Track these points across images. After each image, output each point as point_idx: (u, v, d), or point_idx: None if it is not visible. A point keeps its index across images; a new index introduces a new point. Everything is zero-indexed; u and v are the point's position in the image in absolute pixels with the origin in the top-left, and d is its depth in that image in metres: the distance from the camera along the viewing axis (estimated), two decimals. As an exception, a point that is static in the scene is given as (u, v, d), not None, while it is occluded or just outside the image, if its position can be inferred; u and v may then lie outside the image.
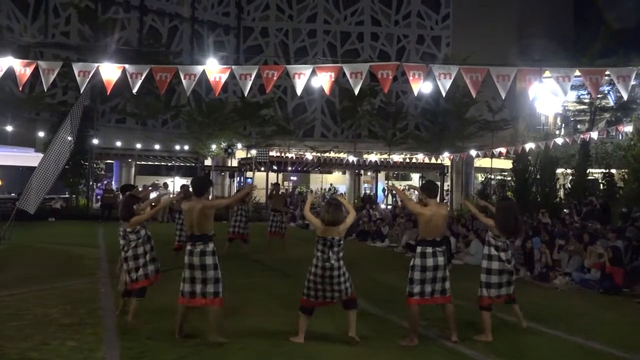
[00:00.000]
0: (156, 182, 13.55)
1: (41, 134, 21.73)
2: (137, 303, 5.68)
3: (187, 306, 5.20)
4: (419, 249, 5.38)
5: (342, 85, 22.88)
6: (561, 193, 23.07)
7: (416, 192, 6.53)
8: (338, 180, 34.03)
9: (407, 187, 25.26)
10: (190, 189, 5.79)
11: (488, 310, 5.59)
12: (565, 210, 15.71)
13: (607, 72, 6.30)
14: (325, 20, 33.01)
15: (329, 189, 31.38)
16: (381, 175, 29.99)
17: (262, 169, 23.66)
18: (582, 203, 17.92)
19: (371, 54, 32.39)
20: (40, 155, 15.81)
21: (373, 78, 8.47)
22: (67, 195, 21.79)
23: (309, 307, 5.24)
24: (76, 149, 17.03)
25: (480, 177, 31.05)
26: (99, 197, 23.02)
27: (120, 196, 8.30)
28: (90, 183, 22.38)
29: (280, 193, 12.81)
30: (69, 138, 13.44)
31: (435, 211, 5.38)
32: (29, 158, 22.56)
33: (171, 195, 12.52)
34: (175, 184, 23.10)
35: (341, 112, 29.62)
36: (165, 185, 13.28)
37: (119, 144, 24.33)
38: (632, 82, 6.28)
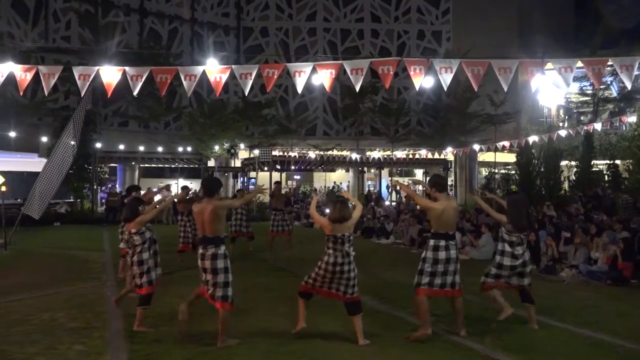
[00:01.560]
0: (160, 184, 13.60)
1: (44, 139, 21.79)
2: (141, 312, 5.62)
3: (201, 294, 5.20)
4: (431, 242, 5.34)
5: (344, 82, 22.90)
6: (566, 185, 22.98)
7: (420, 187, 6.50)
8: (341, 178, 33.99)
9: (411, 183, 25.14)
10: (200, 190, 5.77)
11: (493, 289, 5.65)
12: (575, 205, 15.71)
13: (610, 62, 6.25)
14: (325, 18, 32.95)
15: (333, 187, 31.35)
16: (385, 172, 29.93)
17: (266, 168, 23.64)
18: (587, 195, 17.92)
19: (372, 51, 32.30)
20: (44, 160, 15.84)
21: (374, 75, 8.45)
22: (71, 200, 21.84)
23: (308, 293, 5.26)
24: (79, 153, 17.05)
25: (484, 172, 30.95)
26: (103, 200, 23.08)
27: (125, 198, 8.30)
28: (95, 187, 22.42)
29: (282, 192, 12.77)
30: (72, 142, 13.46)
31: (447, 205, 5.35)
32: (32, 163, 22.60)
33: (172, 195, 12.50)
34: (179, 185, 23.14)
35: (343, 110, 29.59)
36: (168, 187, 13.29)
37: (122, 147, 24.37)
38: (635, 72, 6.23)
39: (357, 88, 6.78)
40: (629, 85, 6.53)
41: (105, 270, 9.39)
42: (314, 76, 6.77)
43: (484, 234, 11.61)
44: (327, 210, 5.39)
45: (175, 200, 11.38)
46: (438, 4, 33.27)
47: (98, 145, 22.24)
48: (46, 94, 7.38)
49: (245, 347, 5.07)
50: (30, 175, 20.62)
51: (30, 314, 6.23)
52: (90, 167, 21.81)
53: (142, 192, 8.37)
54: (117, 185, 27.14)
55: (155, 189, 9.54)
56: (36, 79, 7.05)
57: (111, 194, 20.99)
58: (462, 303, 5.43)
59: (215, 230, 5.11)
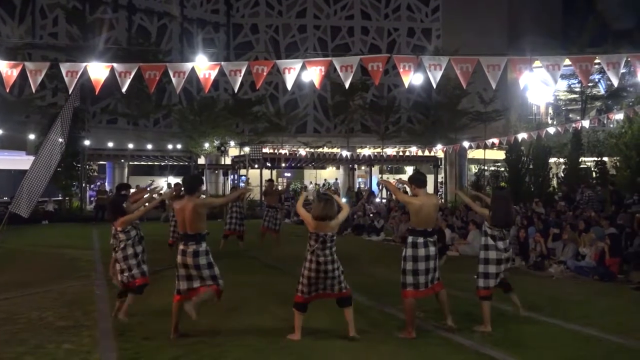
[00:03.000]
0: (150, 181, 13.50)
1: (32, 136, 21.55)
2: (132, 298, 5.65)
3: (182, 305, 5.18)
4: (410, 239, 5.37)
5: (334, 80, 22.88)
6: (554, 182, 23.17)
7: (407, 187, 6.54)
8: (332, 176, 34.01)
9: (397, 181, 25.24)
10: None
11: (488, 300, 5.61)
12: (561, 203, 15.94)
13: (597, 60, 6.31)
14: (315, 15, 32.89)
15: (324, 184, 31.36)
16: (375, 169, 30.00)
17: (256, 166, 23.59)
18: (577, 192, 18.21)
19: (362, 48, 32.33)
20: (32, 158, 15.66)
21: (364, 72, 8.46)
22: (59, 198, 21.65)
23: (304, 303, 5.21)
24: (68, 151, 16.88)
25: (474, 169, 31.12)
26: (92, 198, 22.88)
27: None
28: (84, 185, 22.23)
29: (274, 189, 12.79)
30: (60, 140, 13.30)
31: (425, 201, 5.36)
32: (20, 161, 22.39)
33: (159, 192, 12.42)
34: (172, 183, 23.01)
35: (333, 107, 29.59)
36: (169, 186, 13.22)
37: (111, 144, 24.18)
38: (622, 70, 6.29)
39: (347, 85, 6.78)
40: (615, 83, 6.60)
41: (94, 269, 9.33)
42: (304, 73, 6.75)
43: (471, 231, 11.69)
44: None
45: (168, 200, 11.29)
46: (428, 1, 33.35)
47: (87, 142, 22.05)
48: (33, 90, 7.29)
49: (236, 344, 5.07)
50: (18, 173, 20.44)
51: (19, 313, 6.17)
52: (79, 165, 21.62)
53: (132, 191, 8.31)
54: (106, 183, 26.94)
55: (146, 186, 9.51)
56: (23, 75, 6.96)
57: (100, 192, 20.83)
58: (445, 294, 5.48)
59: (196, 228, 5.12)
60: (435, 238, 5.48)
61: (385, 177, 30.10)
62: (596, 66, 6.70)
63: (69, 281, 8.15)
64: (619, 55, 6.15)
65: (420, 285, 5.28)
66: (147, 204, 6.69)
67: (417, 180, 5.52)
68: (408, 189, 6.39)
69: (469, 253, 10.94)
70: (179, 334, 5.21)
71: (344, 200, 6.62)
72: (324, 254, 5.06)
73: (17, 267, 9.55)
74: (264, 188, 13.37)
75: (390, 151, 28.31)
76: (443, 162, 29.02)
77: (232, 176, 27.72)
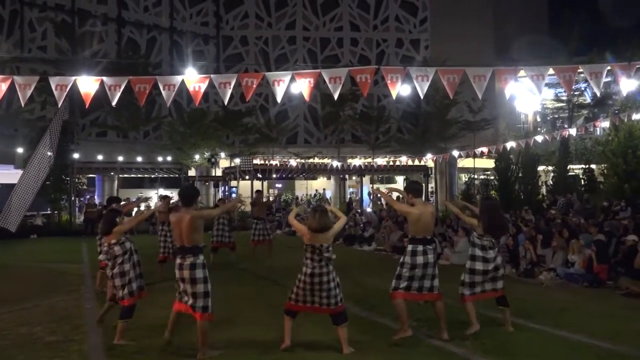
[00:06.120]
0: (140, 195, 13.44)
1: (20, 150, 21.40)
2: (123, 325, 5.51)
3: (180, 314, 5.17)
4: (409, 247, 5.44)
5: (324, 91, 23.00)
6: (543, 190, 23.38)
7: (397, 194, 6.59)
8: (323, 186, 34.01)
9: (389, 191, 25.26)
10: (178, 199, 5.72)
11: (472, 302, 5.73)
12: (552, 210, 16.17)
13: (580, 70, 6.43)
14: (304, 27, 33.10)
15: (315, 195, 31.35)
16: (366, 179, 30.05)
17: (247, 177, 23.57)
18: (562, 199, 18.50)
19: (351, 59, 32.54)
20: (20, 172, 15.56)
21: (354, 83, 8.53)
22: (48, 212, 21.45)
23: (292, 310, 5.23)
24: (56, 164, 16.80)
25: (464, 177, 31.30)
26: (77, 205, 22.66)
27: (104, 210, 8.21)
28: (73, 198, 22.07)
29: (263, 200, 12.72)
30: (49, 153, 13.29)
31: (423, 210, 5.47)
32: (8, 175, 22.16)
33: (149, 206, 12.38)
34: (159, 195, 22.90)
35: (324, 118, 29.69)
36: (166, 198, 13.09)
37: (100, 157, 24.03)
38: (607, 79, 6.41)
39: (336, 96, 6.83)
40: (598, 92, 6.74)
41: (84, 283, 9.25)
42: (293, 85, 6.80)
43: (461, 239, 11.75)
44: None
45: (157, 213, 11.25)
46: (416, 12, 33.69)
47: (76, 155, 21.89)
48: (22, 104, 7.26)
49: (228, 357, 5.04)
50: (6, 187, 20.21)
51: (7, 329, 6.10)
52: (68, 179, 21.47)
53: (122, 203, 8.30)
54: (95, 197, 26.74)
55: (134, 200, 9.49)
56: (12, 89, 6.94)
57: (89, 205, 20.68)
58: (442, 307, 5.49)
59: (193, 240, 5.06)
60: (434, 246, 5.54)
61: (376, 186, 30.18)
62: (581, 75, 6.83)
63: (58, 296, 8.08)
64: (600, 65, 6.28)
65: (412, 288, 5.33)
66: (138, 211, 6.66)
67: (414, 190, 5.65)
68: (401, 196, 6.43)
69: (458, 262, 10.97)
70: (172, 335, 5.22)
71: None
72: (319, 265, 5.05)
73: (5, 282, 9.44)
74: (252, 199, 13.31)
75: (380, 161, 28.43)
76: (433, 171, 29.18)
77: (222, 188, 27.63)
